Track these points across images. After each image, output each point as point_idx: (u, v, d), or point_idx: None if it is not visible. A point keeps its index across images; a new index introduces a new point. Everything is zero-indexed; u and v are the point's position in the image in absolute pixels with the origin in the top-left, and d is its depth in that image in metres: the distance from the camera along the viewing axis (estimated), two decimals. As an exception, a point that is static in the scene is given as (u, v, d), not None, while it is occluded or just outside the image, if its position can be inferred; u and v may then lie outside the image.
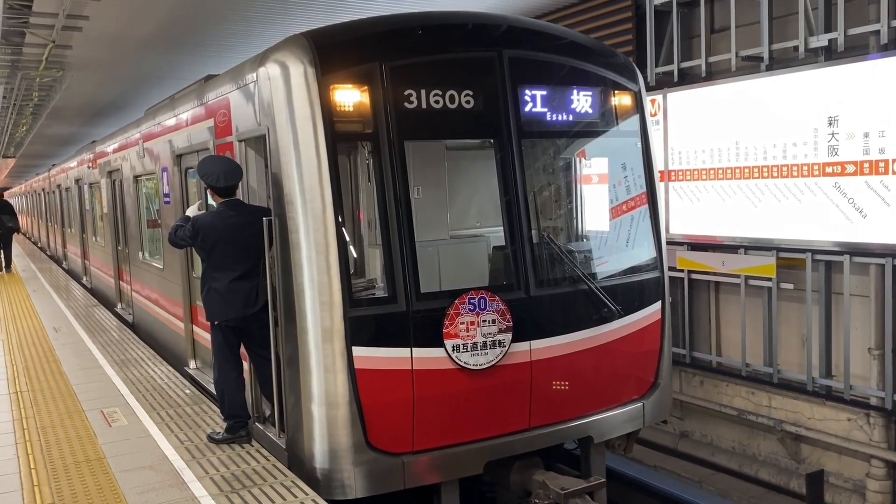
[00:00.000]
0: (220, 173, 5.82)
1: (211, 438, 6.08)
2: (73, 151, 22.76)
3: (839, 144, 7.65)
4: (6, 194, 33.86)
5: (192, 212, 6.47)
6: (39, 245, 30.84)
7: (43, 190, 26.88)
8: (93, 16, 10.40)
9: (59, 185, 21.34)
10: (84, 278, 17.41)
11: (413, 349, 5.34)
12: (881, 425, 7.90)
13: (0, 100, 17.94)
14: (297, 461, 5.52)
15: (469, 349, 5.45)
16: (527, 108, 5.92)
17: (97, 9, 10.04)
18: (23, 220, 38.98)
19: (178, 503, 4.96)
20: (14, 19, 10.53)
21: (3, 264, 19.71)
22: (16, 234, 21.17)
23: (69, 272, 19.88)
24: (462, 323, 5.41)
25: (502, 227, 5.93)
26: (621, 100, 6.56)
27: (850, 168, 7.57)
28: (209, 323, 6.08)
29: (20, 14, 10.33)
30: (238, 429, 6.08)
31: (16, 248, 23.53)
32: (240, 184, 6.02)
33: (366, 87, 5.35)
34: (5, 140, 28.07)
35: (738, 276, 8.98)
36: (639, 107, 6.68)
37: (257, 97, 5.73)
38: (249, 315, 5.88)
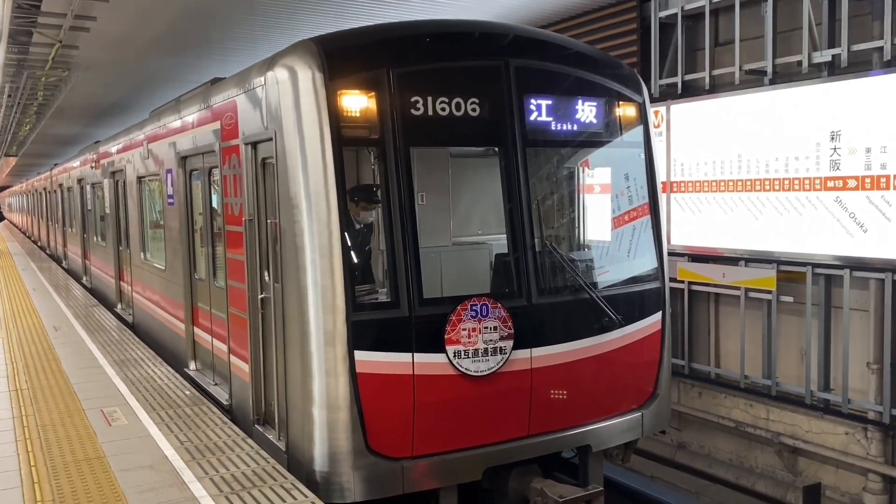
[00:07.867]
0: None
1: None
2: (75, 151, 22.81)
3: (841, 159, 7.70)
4: (6, 192, 34.30)
5: None
6: (39, 244, 30.83)
7: (44, 189, 26.90)
8: (100, 17, 10.46)
9: (60, 185, 21.36)
10: (84, 278, 17.40)
11: (415, 354, 5.36)
12: (879, 439, 7.92)
13: (5, 98, 17.98)
14: (297, 464, 5.53)
15: (470, 355, 5.47)
16: (532, 117, 5.96)
17: (105, 10, 10.09)
18: (22, 219, 39.65)
19: (177, 503, 4.97)
20: (22, 18, 10.56)
21: None
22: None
23: (69, 271, 19.87)
24: (464, 329, 5.43)
25: (505, 235, 5.96)
26: (625, 110, 6.59)
27: (852, 183, 7.62)
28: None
29: (28, 14, 10.37)
30: None
31: (15, 247, 26.48)
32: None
33: (373, 93, 5.38)
34: (8, 139, 28.14)
35: (738, 289, 9.01)
36: (642, 118, 6.72)
37: (265, 101, 5.76)
38: None
